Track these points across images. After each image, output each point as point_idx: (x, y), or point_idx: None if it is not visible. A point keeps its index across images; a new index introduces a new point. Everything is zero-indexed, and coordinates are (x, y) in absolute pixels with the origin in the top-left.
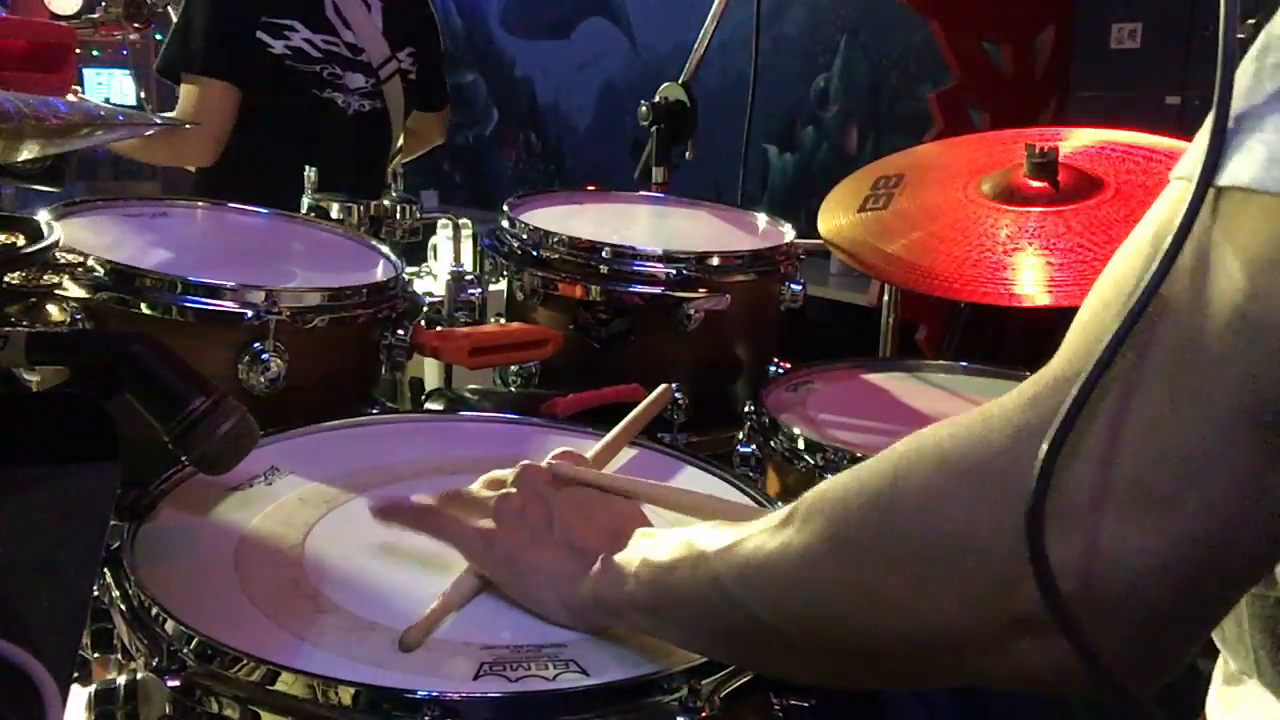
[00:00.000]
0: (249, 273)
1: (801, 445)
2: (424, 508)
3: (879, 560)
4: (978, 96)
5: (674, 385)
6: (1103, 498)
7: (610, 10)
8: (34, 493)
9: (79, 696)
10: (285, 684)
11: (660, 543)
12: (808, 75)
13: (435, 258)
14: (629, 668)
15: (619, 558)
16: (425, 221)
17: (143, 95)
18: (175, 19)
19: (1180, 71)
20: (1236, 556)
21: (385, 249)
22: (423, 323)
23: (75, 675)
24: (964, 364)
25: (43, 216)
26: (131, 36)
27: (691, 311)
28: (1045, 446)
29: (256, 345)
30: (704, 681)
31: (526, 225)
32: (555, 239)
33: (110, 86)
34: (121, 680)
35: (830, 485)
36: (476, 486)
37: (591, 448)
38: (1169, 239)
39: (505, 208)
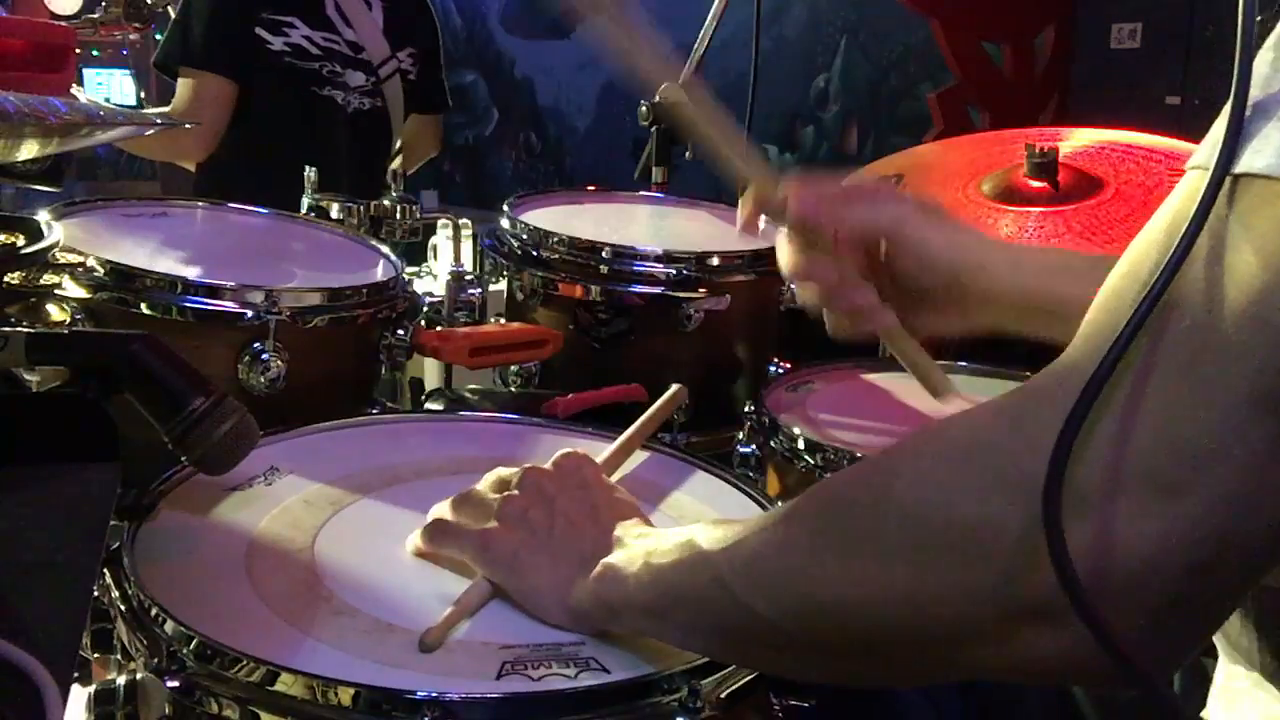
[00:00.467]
0: (249, 273)
1: (801, 445)
2: (434, 522)
3: (882, 551)
4: (978, 96)
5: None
6: (1115, 484)
7: None
8: (34, 493)
9: (79, 696)
10: (285, 684)
11: (660, 542)
12: (808, 75)
13: (435, 258)
14: (650, 665)
15: (619, 558)
16: (425, 221)
17: (143, 95)
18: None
19: (1180, 71)
20: (1247, 544)
21: (385, 249)
22: (423, 323)
23: (75, 675)
24: (964, 364)
25: (43, 216)
26: (131, 36)
27: (691, 311)
28: (1060, 431)
29: (256, 345)
30: (704, 681)
31: (526, 225)
32: (555, 239)
33: (110, 86)
34: (121, 680)
35: (831, 481)
36: (483, 487)
37: (597, 448)
38: (1185, 227)
39: (505, 208)
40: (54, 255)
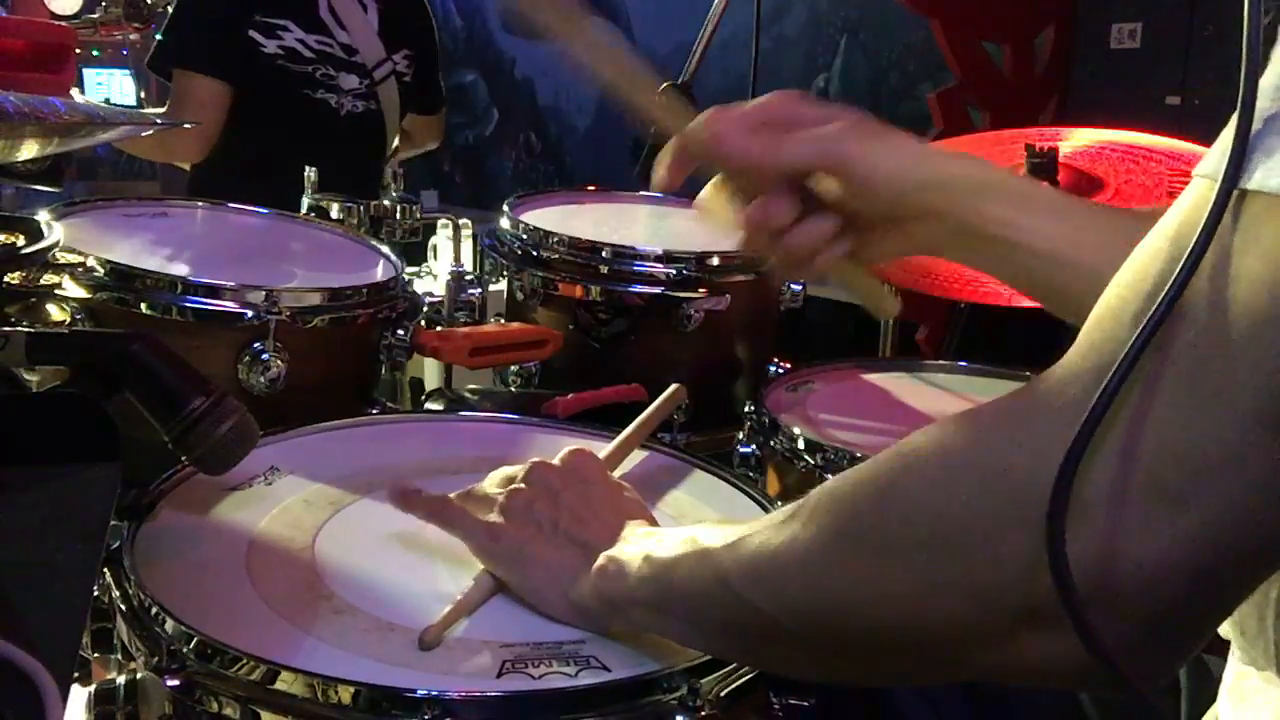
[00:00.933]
0: (249, 273)
1: (801, 445)
2: (438, 499)
3: (884, 553)
4: (978, 96)
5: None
6: (1119, 495)
7: (610, 10)
8: (34, 493)
9: (79, 696)
10: (285, 683)
11: (663, 539)
12: (808, 75)
13: (435, 258)
14: (649, 664)
15: (622, 554)
16: (425, 221)
17: (142, 95)
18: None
19: (1180, 71)
20: (1250, 555)
21: (385, 249)
22: (423, 323)
23: (75, 675)
24: (964, 364)
25: (43, 216)
26: (131, 36)
27: (691, 311)
28: (1069, 447)
29: (256, 345)
30: (704, 680)
31: (526, 225)
32: (555, 239)
33: (110, 86)
34: (121, 680)
35: (837, 481)
36: (488, 483)
37: (597, 447)
38: (1192, 240)
39: (505, 208)
40: (54, 255)
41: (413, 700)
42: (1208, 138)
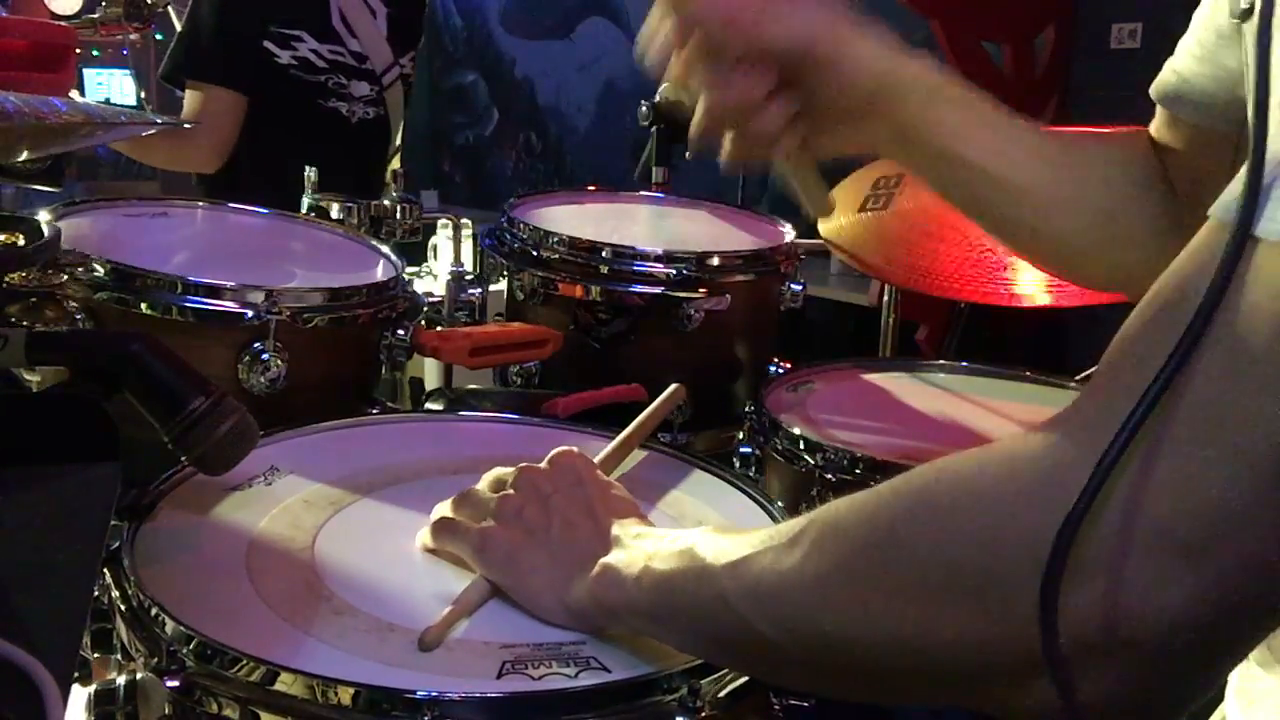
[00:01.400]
0: (249, 273)
1: (801, 445)
2: (437, 520)
3: (894, 595)
4: None
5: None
6: (1130, 547)
7: (610, 10)
8: (34, 493)
9: (79, 696)
10: (285, 684)
11: (660, 547)
12: None
13: (435, 258)
14: (649, 665)
15: (618, 561)
16: (425, 221)
17: (143, 95)
18: (175, 20)
19: None
20: (1266, 606)
21: (385, 249)
22: (423, 323)
23: (75, 675)
24: (964, 364)
25: (43, 216)
26: (131, 36)
27: (691, 311)
28: (1073, 504)
29: (256, 345)
30: (704, 681)
31: (526, 225)
32: (555, 239)
33: (110, 86)
34: (121, 680)
35: (842, 512)
36: (481, 486)
37: (597, 447)
38: (1205, 288)
39: (505, 208)
40: (54, 255)
41: (413, 701)
42: None
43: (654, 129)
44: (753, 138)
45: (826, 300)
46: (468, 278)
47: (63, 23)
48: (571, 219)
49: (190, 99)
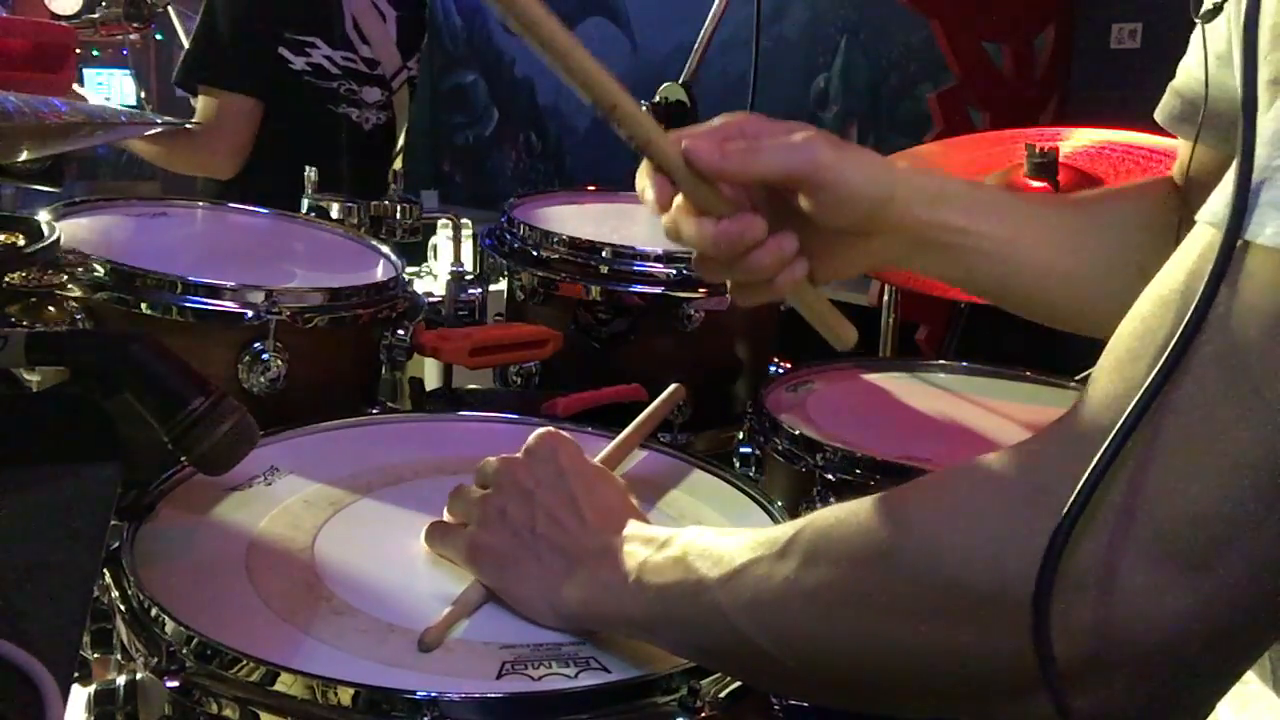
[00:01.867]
0: (249, 273)
1: (801, 445)
2: (433, 524)
3: (892, 614)
4: (978, 96)
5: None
6: (1125, 556)
7: (610, 10)
8: (34, 493)
9: (79, 696)
10: (284, 684)
11: (652, 557)
12: (808, 75)
13: (435, 258)
14: (649, 665)
15: (609, 571)
16: (425, 221)
17: (143, 95)
18: (175, 20)
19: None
20: (1269, 615)
21: (385, 249)
22: (423, 323)
23: (75, 675)
24: (964, 364)
25: (43, 216)
26: (131, 36)
27: (691, 311)
28: (1062, 515)
29: (256, 345)
30: (704, 681)
31: (526, 225)
32: (555, 239)
33: (110, 86)
34: (121, 680)
35: (834, 524)
36: (477, 479)
37: (597, 447)
38: (1198, 292)
39: (505, 208)
40: (54, 255)
41: (413, 702)
42: None
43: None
44: (754, 276)
45: None
46: (468, 278)
47: (63, 23)
48: (571, 219)
49: (204, 104)
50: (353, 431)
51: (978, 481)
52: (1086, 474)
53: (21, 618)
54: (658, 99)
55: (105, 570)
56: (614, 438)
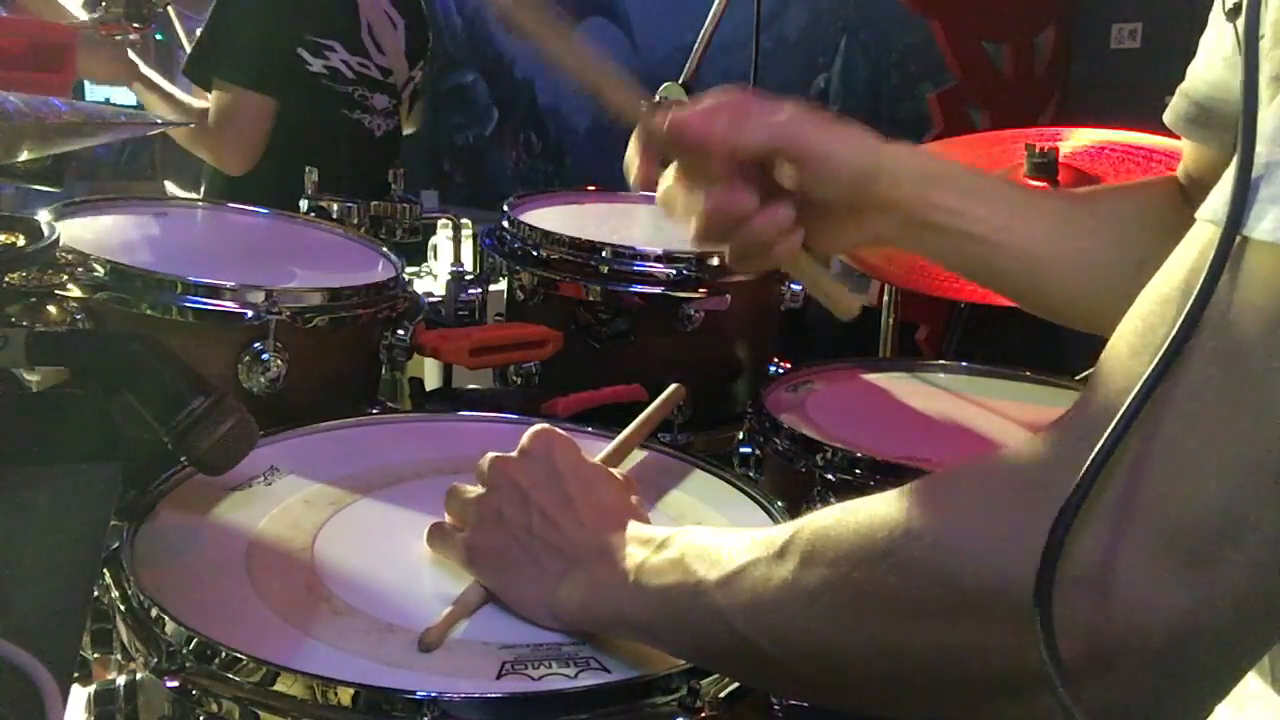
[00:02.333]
0: (249, 273)
1: (801, 445)
2: (432, 526)
3: (894, 615)
4: (978, 96)
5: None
6: (1126, 553)
7: (610, 10)
8: (34, 493)
9: (79, 696)
10: (285, 684)
11: (649, 559)
12: (808, 75)
13: (435, 258)
14: (649, 665)
15: (607, 574)
16: (425, 221)
17: None
18: (175, 20)
19: (1180, 71)
20: (1270, 612)
21: (385, 249)
22: (423, 323)
23: (75, 675)
24: (964, 364)
25: (43, 216)
26: (131, 36)
27: (691, 311)
28: (1062, 505)
29: (256, 345)
30: (704, 681)
31: (526, 225)
32: (555, 239)
33: (110, 86)
34: (121, 680)
35: (832, 524)
36: (477, 475)
37: (597, 447)
38: (1197, 287)
39: (505, 208)
40: (54, 255)
41: (413, 702)
42: None
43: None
44: (751, 245)
45: None
46: (468, 278)
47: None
48: (571, 219)
49: (218, 99)
50: (353, 431)
51: (977, 480)
52: (1084, 468)
53: (21, 618)
54: (658, 99)
55: (105, 570)
56: (614, 438)
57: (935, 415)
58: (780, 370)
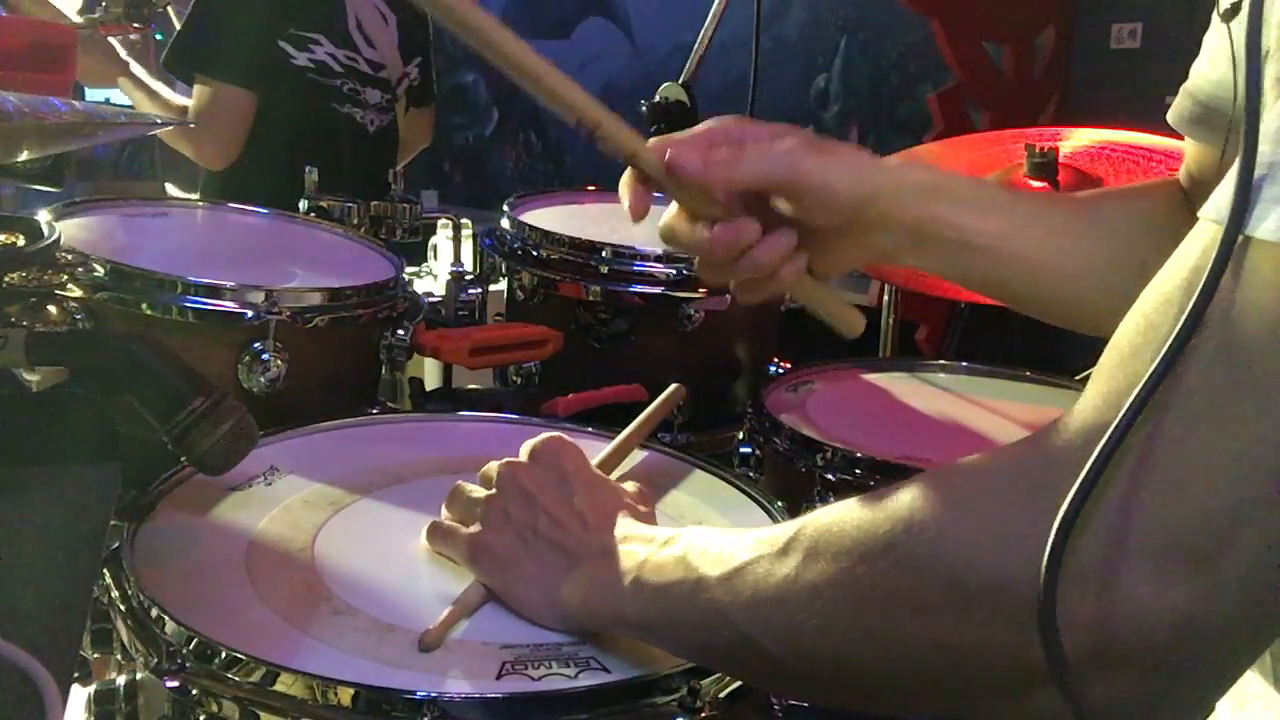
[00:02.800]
0: (249, 273)
1: (801, 445)
2: (432, 524)
3: (896, 612)
4: (978, 96)
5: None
6: (1129, 551)
7: (610, 10)
8: (34, 493)
9: (79, 696)
10: (285, 684)
11: (651, 556)
12: (808, 75)
13: (435, 258)
14: (649, 665)
15: (609, 571)
16: (425, 221)
17: None
18: (175, 20)
19: (1180, 71)
20: (1272, 610)
21: (385, 249)
22: (423, 323)
23: (75, 675)
24: (964, 364)
25: (43, 216)
26: (132, 36)
27: (691, 311)
28: (1066, 505)
29: (256, 345)
30: (704, 681)
31: (526, 225)
32: (555, 239)
33: None
34: (121, 680)
35: (834, 521)
36: (480, 478)
37: (597, 448)
38: (1199, 285)
39: (505, 208)
40: (54, 255)
41: (413, 702)
42: None
43: (653, 129)
44: (755, 274)
45: None
46: (468, 278)
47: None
48: (571, 219)
49: (199, 94)
50: (353, 431)
51: (980, 476)
52: (1087, 467)
53: (21, 618)
54: (658, 99)
55: (105, 570)
56: (614, 438)
57: (935, 415)
58: (780, 370)
